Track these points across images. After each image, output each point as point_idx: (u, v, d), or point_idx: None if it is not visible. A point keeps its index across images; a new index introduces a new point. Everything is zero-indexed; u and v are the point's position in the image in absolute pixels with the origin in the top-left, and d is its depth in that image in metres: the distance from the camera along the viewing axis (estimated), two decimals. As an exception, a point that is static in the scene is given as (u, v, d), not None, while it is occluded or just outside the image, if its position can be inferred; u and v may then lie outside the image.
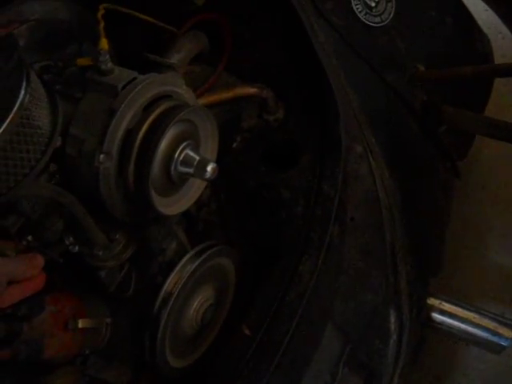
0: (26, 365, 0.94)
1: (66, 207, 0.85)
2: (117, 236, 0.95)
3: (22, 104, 0.69)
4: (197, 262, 1.06)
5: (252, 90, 1.21)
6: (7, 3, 0.98)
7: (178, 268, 1.05)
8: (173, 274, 1.04)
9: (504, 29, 1.24)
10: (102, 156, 0.83)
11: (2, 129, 0.67)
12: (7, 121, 0.67)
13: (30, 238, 0.86)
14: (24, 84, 0.71)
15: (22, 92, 0.70)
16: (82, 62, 0.87)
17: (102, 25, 0.89)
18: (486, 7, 1.38)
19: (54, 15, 1.04)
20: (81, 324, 0.91)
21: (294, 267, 1.07)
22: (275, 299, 1.05)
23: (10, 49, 0.78)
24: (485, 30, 1.47)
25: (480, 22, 1.46)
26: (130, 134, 0.85)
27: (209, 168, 0.87)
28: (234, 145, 1.26)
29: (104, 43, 0.87)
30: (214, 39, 1.25)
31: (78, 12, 1.05)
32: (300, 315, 1.03)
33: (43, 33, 1.00)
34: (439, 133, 1.36)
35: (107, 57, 0.86)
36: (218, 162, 0.91)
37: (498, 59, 1.53)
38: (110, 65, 0.86)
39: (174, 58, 1.16)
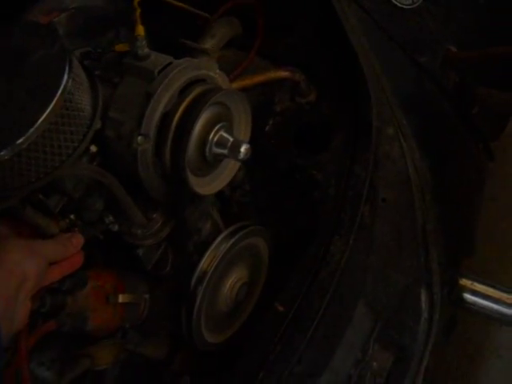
0: (70, 336, 1.00)
1: (106, 187, 0.89)
2: (154, 215, 0.99)
3: (65, 88, 0.73)
4: (230, 242, 1.09)
5: (284, 74, 1.23)
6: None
7: (212, 247, 1.08)
8: (207, 253, 1.08)
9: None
10: (139, 138, 0.86)
11: (47, 111, 0.71)
12: (52, 104, 0.71)
13: (72, 216, 0.90)
14: (67, 69, 0.74)
15: (65, 77, 0.73)
16: (120, 47, 0.91)
17: (138, 12, 0.92)
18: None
19: (92, 3, 1.08)
20: (121, 299, 0.96)
21: (326, 247, 1.09)
22: (307, 277, 1.08)
23: (52, 36, 0.82)
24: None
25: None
26: (167, 116, 0.88)
27: (242, 149, 0.90)
28: (267, 128, 1.28)
29: (140, 29, 0.90)
30: (247, 23, 1.28)
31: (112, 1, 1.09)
32: (331, 293, 1.06)
33: (82, 20, 1.04)
34: (472, 114, 1.35)
35: (144, 42, 0.89)
36: (251, 144, 0.94)
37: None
38: (146, 50, 0.89)
39: (208, 43, 1.19)
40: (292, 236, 1.22)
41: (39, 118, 0.70)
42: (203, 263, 1.08)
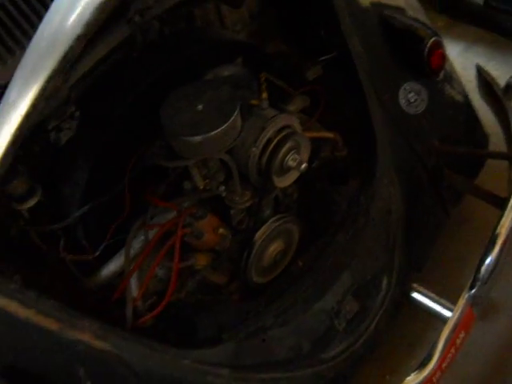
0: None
1: (228, 168, 1.70)
2: (246, 192, 1.79)
3: (236, 114, 1.57)
4: (276, 224, 1.85)
5: (329, 135, 2.05)
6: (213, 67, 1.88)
7: (266, 224, 1.85)
8: (263, 228, 1.85)
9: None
10: (254, 148, 1.68)
11: (228, 123, 1.55)
12: (231, 119, 1.56)
13: (207, 181, 1.72)
14: (238, 105, 1.59)
15: (237, 109, 1.58)
16: (253, 102, 1.74)
17: (264, 85, 1.76)
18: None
19: (234, 73, 1.93)
20: (220, 231, 1.74)
21: (331, 238, 1.87)
22: (319, 251, 1.86)
23: (224, 86, 1.67)
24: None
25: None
26: (269, 141, 1.70)
27: (302, 166, 1.71)
28: (313, 164, 2.08)
29: (264, 94, 1.73)
30: (314, 99, 2.11)
31: (247, 74, 1.94)
32: (331, 262, 1.83)
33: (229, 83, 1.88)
34: (442, 186, 2.13)
35: (265, 101, 1.73)
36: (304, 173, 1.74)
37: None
38: (266, 105, 1.73)
39: (291, 108, 2.02)
40: (313, 229, 2.00)
41: (223, 125, 1.54)
42: (259, 233, 1.85)
